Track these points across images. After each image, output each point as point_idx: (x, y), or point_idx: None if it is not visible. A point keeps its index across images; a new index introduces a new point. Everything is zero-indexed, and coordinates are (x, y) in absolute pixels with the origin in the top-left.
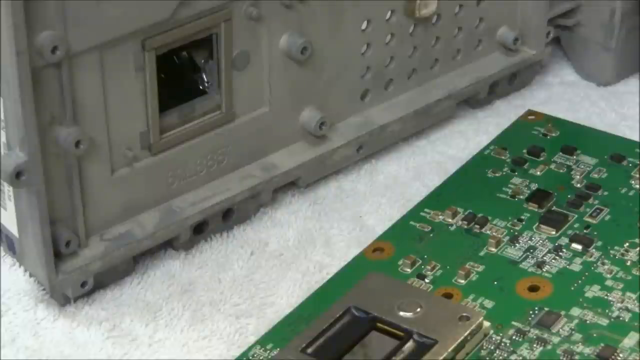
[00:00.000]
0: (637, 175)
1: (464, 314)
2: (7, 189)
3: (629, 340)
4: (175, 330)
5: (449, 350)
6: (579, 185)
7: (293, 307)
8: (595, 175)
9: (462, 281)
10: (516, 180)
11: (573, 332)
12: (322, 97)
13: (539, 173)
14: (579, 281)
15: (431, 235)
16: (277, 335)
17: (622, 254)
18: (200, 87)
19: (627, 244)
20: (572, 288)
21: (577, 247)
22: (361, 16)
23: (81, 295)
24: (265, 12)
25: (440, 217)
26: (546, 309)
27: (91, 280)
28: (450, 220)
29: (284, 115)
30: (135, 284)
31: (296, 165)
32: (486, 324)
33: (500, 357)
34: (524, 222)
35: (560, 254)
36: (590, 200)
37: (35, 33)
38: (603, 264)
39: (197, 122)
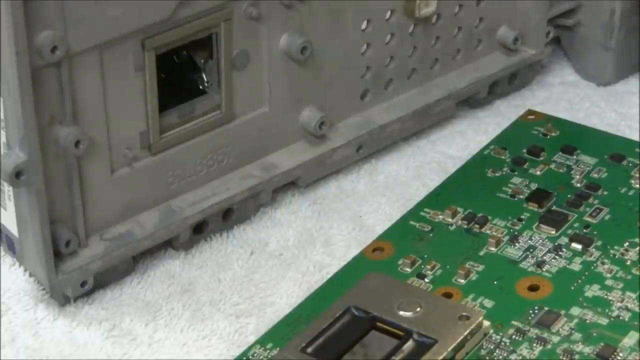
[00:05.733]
0: (637, 175)
1: (464, 314)
2: (7, 189)
3: (629, 340)
4: (175, 330)
5: (449, 349)
6: (579, 185)
7: (293, 307)
8: (595, 175)
9: (462, 281)
10: (516, 180)
11: (573, 331)
12: (322, 97)
13: (539, 173)
14: (579, 281)
15: (431, 235)
16: (277, 334)
17: (622, 254)
18: (200, 87)
19: (627, 243)
20: (572, 287)
21: (577, 246)
22: (361, 16)
23: (81, 295)
24: (265, 12)
25: (440, 216)
26: (546, 308)
27: (91, 280)
28: (450, 220)
29: (284, 115)
30: (135, 284)
31: (296, 165)
32: (486, 323)
33: (500, 357)
34: (523, 222)
35: (560, 253)
36: (590, 200)
37: (35, 33)
38: (603, 263)
39: (197, 122)
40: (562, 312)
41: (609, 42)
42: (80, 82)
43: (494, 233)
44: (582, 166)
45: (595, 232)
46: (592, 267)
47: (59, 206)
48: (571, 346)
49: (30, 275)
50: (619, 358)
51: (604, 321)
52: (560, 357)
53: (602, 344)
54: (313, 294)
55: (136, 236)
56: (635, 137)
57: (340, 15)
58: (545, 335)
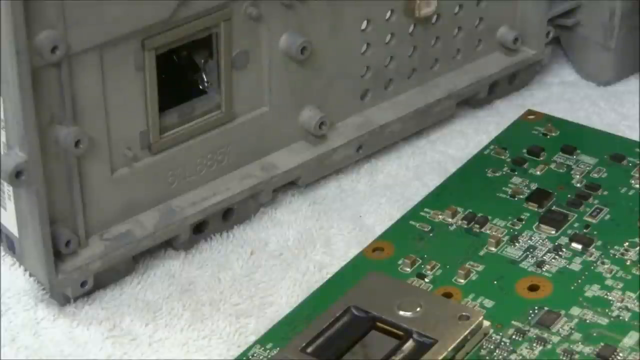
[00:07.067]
0: (637, 175)
1: (464, 314)
2: (7, 189)
3: (629, 340)
4: (175, 330)
5: (449, 349)
6: (578, 185)
7: (293, 307)
8: (595, 175)
9: (462, 281)
10: (516, 180)
11: (573, 331)
12: (322, 97)
13: (538, 173)
14: (579, 280)
15: (431, 234)
16: (277, 334)
17: (622, 254)
18: (200, 87)
19: (627, 243)
20: (572, 287)
21: (577, 246)
22: (361, 16)
23: (81, 295)
24: (265, 12)
25: (440, 216)
26: (546, 308)
27: (91, 280)
28: (450, 219)
29: (284, 115)
30: (135, 284)
31: (296, 165)
32: (486, 323)
33: (500, 357)
34: (523, 222)
35: (560, 253)
36: (590, 200)
37: (35, 33)
38: (603, 263)
39: (197, 122)
40: (562, 312)
41: (609, 42)
42: (80, 82)
43: (494, 233)
44: (582, 166)
45: (595, 232)
46: (592, 267)
47: (59, 206)
48: (571, 346)
49: (30, 275)
50: (619, 358)
51: (604, 321)
52: (560, 357)
53: (602, 344)
54: (313, 294)
55: (136, 236)
56: (635, 137)
57: (340, 15)
58: (545, 335)
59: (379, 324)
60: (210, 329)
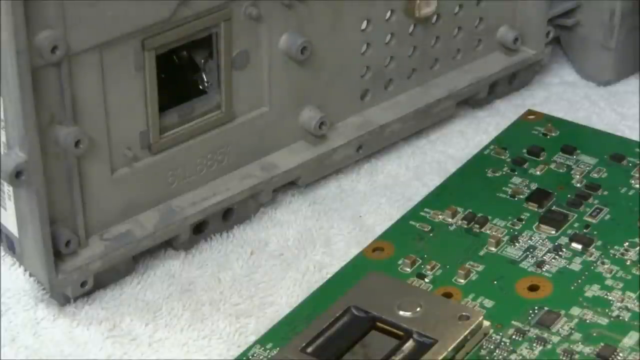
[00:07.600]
0: (637, 175)
1: (464, 314)
2: (7, 189)
3: (629, 340)
4: (175, 330)
5: (449, 349)
6: (578, 185)
7: (293, 307)
8: (595, 175)
9: (462, 281)
10: (516, 180)
11: (573, 331)
12: (322, 97)
13: (538, 173)
14: (579, 280)
15: (431, 234)
16: (277, 334)
17: (622, 254)
18: (200, 87)
19: (627, 243)
20: (572, 287)
21: (577, 246)
22: (361, 16)
23: (81, 295)
24: (265, 12)
25: (440, 216)
26: (546, 308)
27: (91, 280)
28: (450, 219)
29: (283, 115)
30: (135, 284)
31: (296, 165)
32: (486, 323)
33: (500, 357)
34: (523, 222)
35: (560, 253)
36: (590, 200)
37: (35, 33)
38: (603, 263)
39: (197, 122)
40: (562, 312)
41: (609, 42)
42: (80, 82)
43: (494, 233)
44: (582, 166)
45: (595, 232)
46: (592, 267)
47: (59, 206)
48: (571, 346)
49: (30, 275)
50: (619, 358)
51: (604, 321)
52: (560, 357)
53: (602, 344)
54: (313, 294)
55: (136, 236)
56: (635, 137)
57: (340, 15)
58: (545, 335)
59: (379, 324)
60: (210, 329)
